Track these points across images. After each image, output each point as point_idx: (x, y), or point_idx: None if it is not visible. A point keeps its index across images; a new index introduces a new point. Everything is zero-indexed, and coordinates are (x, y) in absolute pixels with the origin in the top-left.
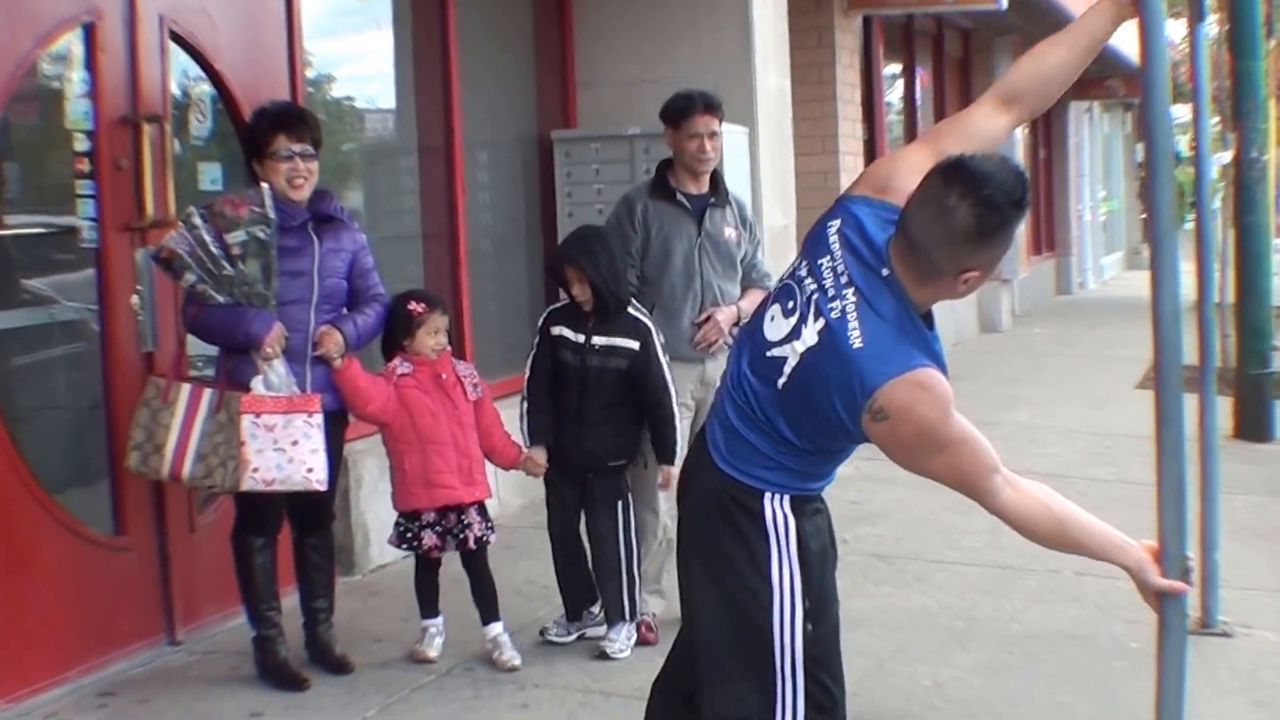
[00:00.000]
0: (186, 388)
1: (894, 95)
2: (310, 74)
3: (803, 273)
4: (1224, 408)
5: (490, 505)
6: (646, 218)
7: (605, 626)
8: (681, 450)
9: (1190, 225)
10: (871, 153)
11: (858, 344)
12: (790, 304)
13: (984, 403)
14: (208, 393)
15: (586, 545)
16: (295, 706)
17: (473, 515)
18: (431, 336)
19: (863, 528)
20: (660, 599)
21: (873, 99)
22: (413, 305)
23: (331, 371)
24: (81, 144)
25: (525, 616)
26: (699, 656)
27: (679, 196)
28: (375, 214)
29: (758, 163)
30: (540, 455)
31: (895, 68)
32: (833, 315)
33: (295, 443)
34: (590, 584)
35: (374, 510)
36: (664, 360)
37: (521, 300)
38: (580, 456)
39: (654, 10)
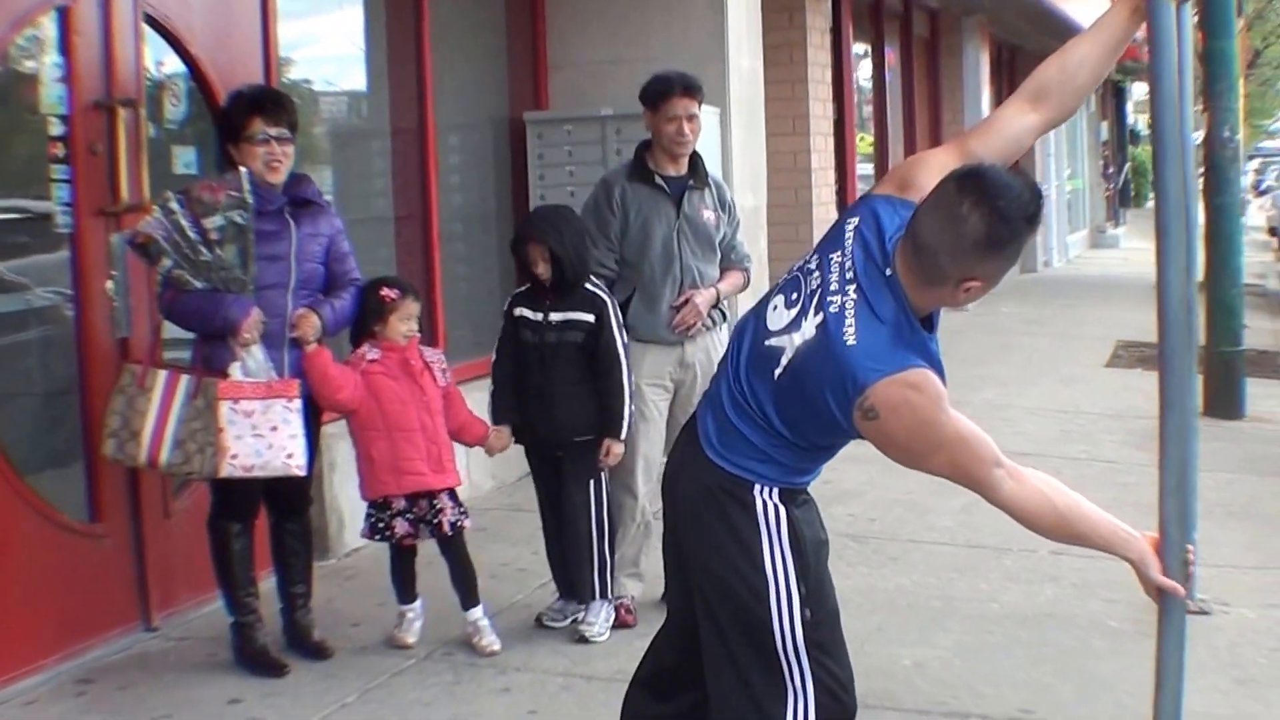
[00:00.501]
0: (163, 374)
1: (862, 76)
2: (284, 57)
3: (812, 265)
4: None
5: (462, 489)
6: (625, 201)
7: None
8: (647, 431)
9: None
10: (841, 133)
11: (851, 341)
12: (794, 295)
13: (954, 382)
14: (184, 379)
15: None
16: (274, 693)
17: (444, 500)
18: (404, 323)
19: (836, 508)
20: (639, 581)
21: (842, 80)
22: (386, 291)
23: (302, 357)
24: (56, 128)
25: (502, 599)
26: (704, 658)
27: (658, 179)
28: (347, 197)
29: (729, 144)
30: (504, 433)
31: (864, 48)
32: (831, 310)
33: (274, 428)
34: None
35: (348, 494)
36: (619, 334)
37: (493, 282)
38: (548, 433)
39: None
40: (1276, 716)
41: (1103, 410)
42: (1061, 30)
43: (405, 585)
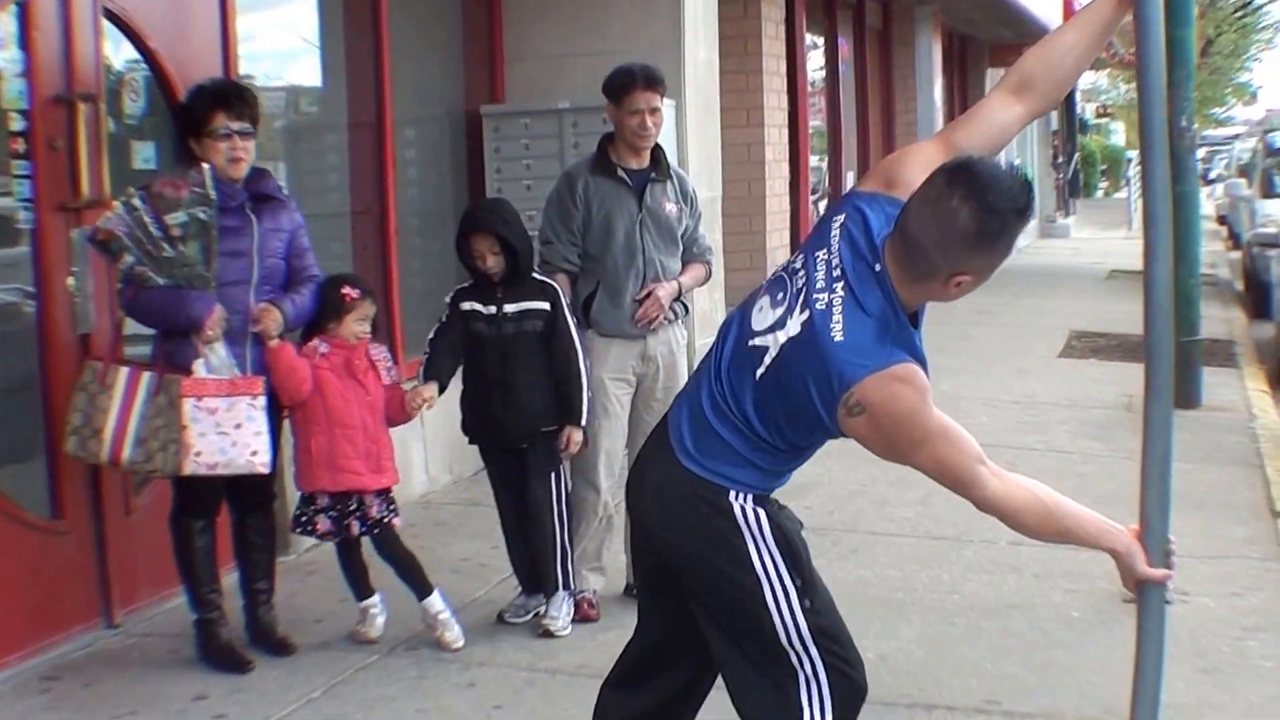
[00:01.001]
0: (124, 371)
1: (816, 67)
2: (242, 51)
3: (798, 265)
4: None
5: (419, 483)
6: (588, 194)
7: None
8: (610, 425)
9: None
10: (794, 125)
11: (838, 337)
12: (780, 295)
13: None
14: (146, 376)
15: None
16: (239, 689)
17: (371, 499)
18: (359, 324)
19: (794, 500)
20: (601, 576)
21: (796, 71)
22: (347, 290)
23: (265, 352)
24: (16, 124)
25: (463, 594)
26: (715, 655)
27: (620, 172)
28: (304, 191)
29: (685, 135)
30: (429, 389)
31: (817, 39)
32: (818, 307)
33: (239, 425)
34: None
35: None
36: (572, 320)
37: (450, 277)
38: (513, 425)
39: None
40: (1242, 704)
41: (1057, 400)
42: (1013, 19)
43: (357, 580)
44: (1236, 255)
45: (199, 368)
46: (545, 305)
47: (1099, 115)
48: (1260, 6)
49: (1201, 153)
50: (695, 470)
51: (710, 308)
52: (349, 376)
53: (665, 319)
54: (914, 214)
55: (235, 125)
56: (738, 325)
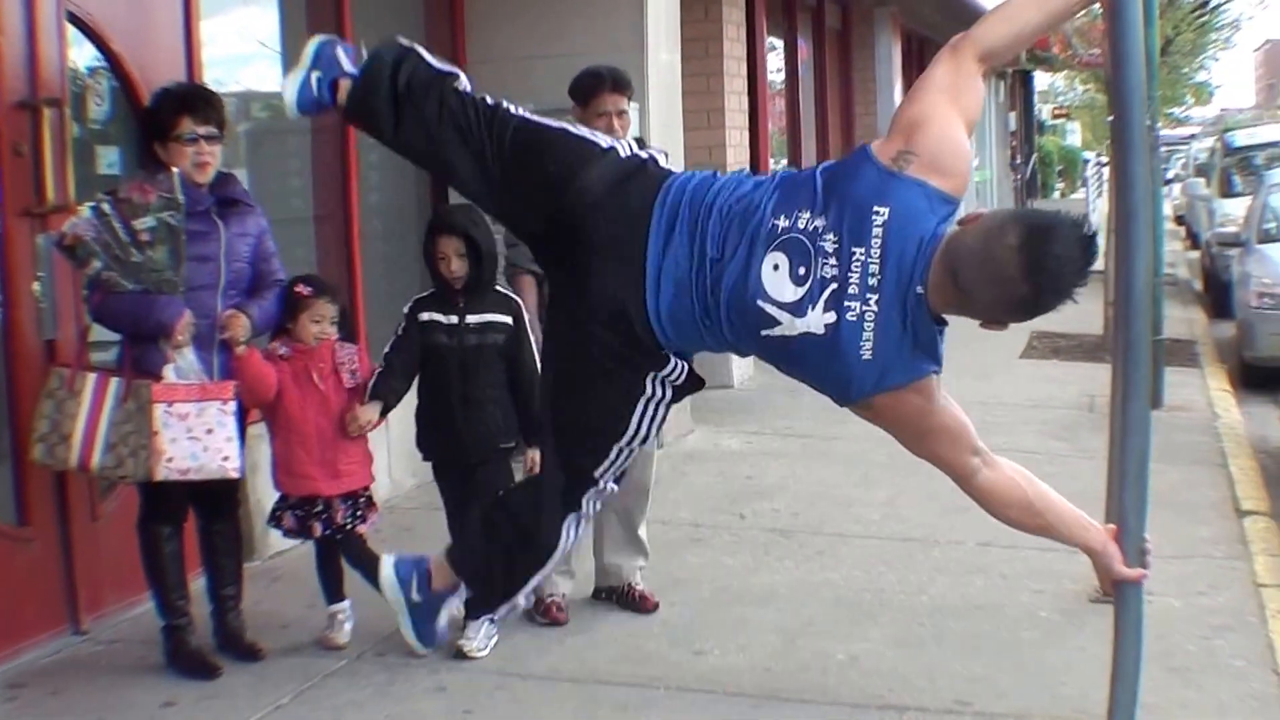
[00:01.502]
0: (92, 377)
1: (776, 69)
2: (206, 54)
3: (826, 245)
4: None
5: (383, 486)
6: None
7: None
8: None
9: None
10: (755, 127)
11: (867, 356)
12: (801, 270)
13: None
14: (114, 382)
15: None
16: (208, 696)
17: (335, 503)
18: (314, 324)
19: (760, 503)
20: (569, 579)
21: (755, 73)
22: (300, 288)
23: (232, 358)
24: None
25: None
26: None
27: None
28: (267, 196)
29: (649, 138)
30: (371, 410)
31: (777, 41)
32: (848, 317)
33: (210, 431)
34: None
35: (272, 495)
36: (534, 336)
37: (414, 281)
38: (472, 440)
39: None
40: (1209, 703)
41: (1020, 401)
42: (972, 21)
43: (331, 582)
44: (1195, 255)
45: (169, 373)
46: (508, 319)
47: (1055, 116)
48: (1218, 6)
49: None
50: (661, 340)
51: None
52: (306, 383)
53: None
54: (970, 265)
55: (201, 130)
56: (748, 246)
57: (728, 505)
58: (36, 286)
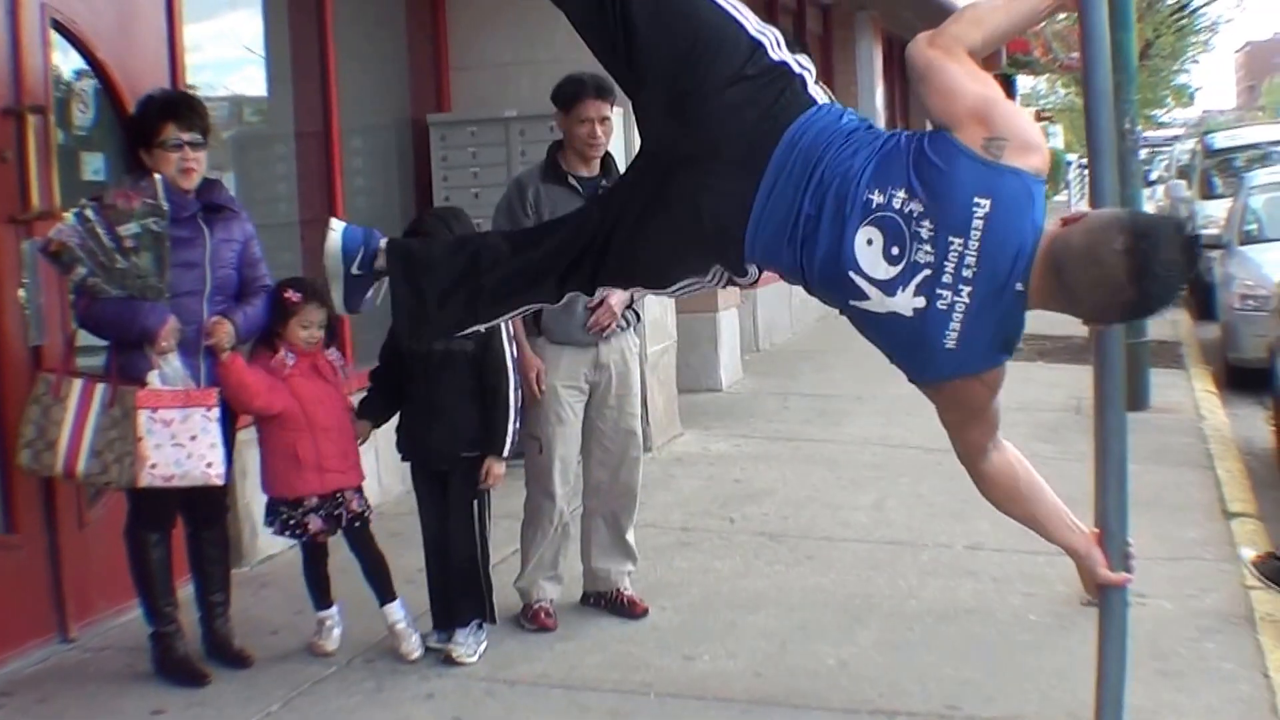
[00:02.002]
0: (78, 383)
1: None
2: (189, 60)
3: (922, 231)
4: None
5: (373, 491)
6: (539, 201)
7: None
8: (564, 433)
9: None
10: None
11: (951, 346)
12: (895, 250)
13: (857, 375)
14: (100, 388)
15: None
16: (197, 703)
17: (349, 495)
18: (303, 330)
19: (749, 507)
20: (557, 584)
21: None
22: (288, 294)
23: (216, 365)
24: None
25: (419, 605)
26: None
27: (570, 179)
28: (252, 201)
29: (631, 143)
30: (360, 427)
31: None
32: (939, 305)
33: (194, 437)
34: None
35: (260, 501)
36: (508, 346)
37: None
38: (437, 446)
39: None
40: (1200, 706)
41: (1007, 404)
42: None
43: (319, 588)
44: None
45: (153, 379)
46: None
47: (1037, 119)
48: (1197, 9)
49: (1143, 154)
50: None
51: (662, 313)
52: (316, 379)
53: (618, 326)
54: (1075, 269)
55: (186, 136)
56: (841, 222)
57: (717, 509)
58: (21, 293)
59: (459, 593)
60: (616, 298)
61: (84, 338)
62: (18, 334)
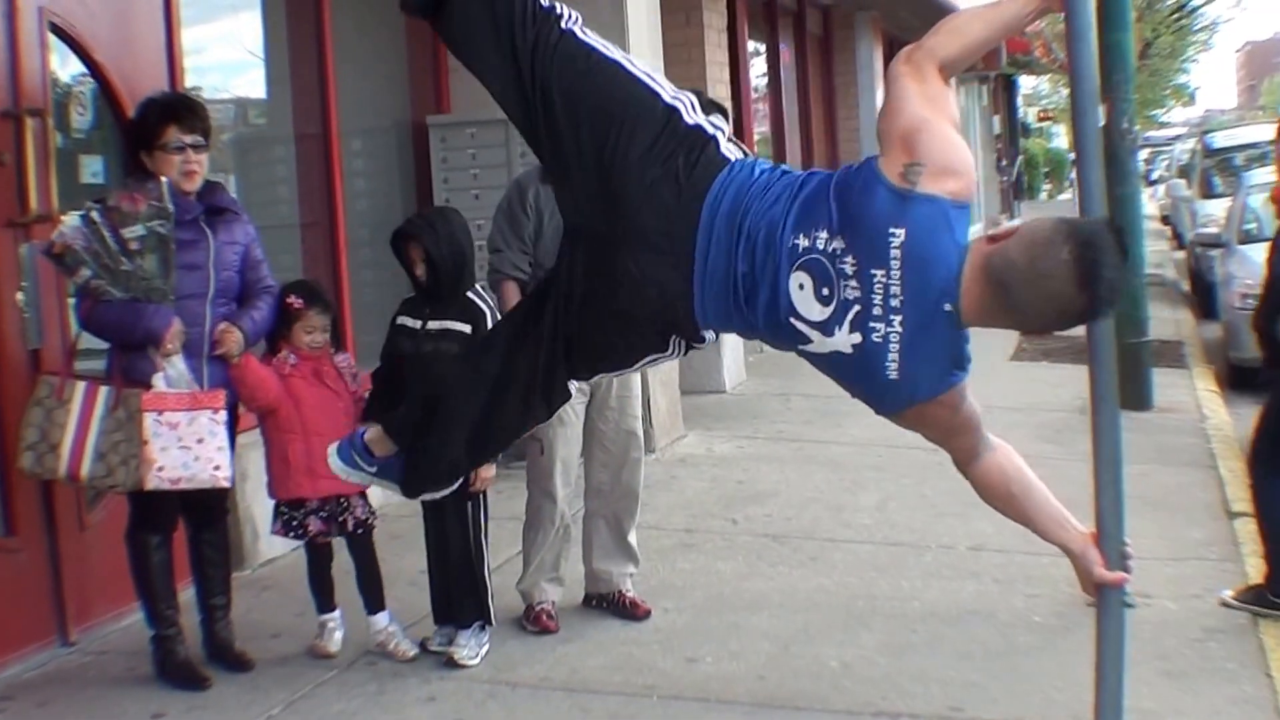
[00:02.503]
0: (81, 385)
1: (758, 74)
2: (188, 63)
3: (846, 267)
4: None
5: (374, 494)
6: (539, 202)
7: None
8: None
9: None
10: (739, 132)
11: (894, 376)
12: (824, 290)
13: None
14: (103, 390)
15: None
16: (198, 706)
17: (354, 500)
18: (307, 334)
19: (752, 508)
20: (559, 586)
21: (738, 78)
22: (291, 299)
23: (229, 368)
24: None
25: (420, 607)
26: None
27: None
28: (252, 204)
29: None
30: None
31: (759, 46)
32: (873, 338)
33: (200, 440)
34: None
35: (261, 504)
36: None
37: (401, 288)
38: None
39: None
40: (1204, 707)
41: (1011, 404)
42: None
43: (323, 592)
44: (1181, 255)
45: (158, 381)
46: (466, 328)
47: (1040, 119)
48: (1197, 9)
49: (1144, 154)
50: (699, 314)
51: None
52: (319, 384)
53: None
54: (1021, 285)
55: (188, 138)
56: (783, 267)
57: (720, 510)
58: (20, 296)
59: (459, 594)
60: None
61: (87, 341)
62: (16, 337)
